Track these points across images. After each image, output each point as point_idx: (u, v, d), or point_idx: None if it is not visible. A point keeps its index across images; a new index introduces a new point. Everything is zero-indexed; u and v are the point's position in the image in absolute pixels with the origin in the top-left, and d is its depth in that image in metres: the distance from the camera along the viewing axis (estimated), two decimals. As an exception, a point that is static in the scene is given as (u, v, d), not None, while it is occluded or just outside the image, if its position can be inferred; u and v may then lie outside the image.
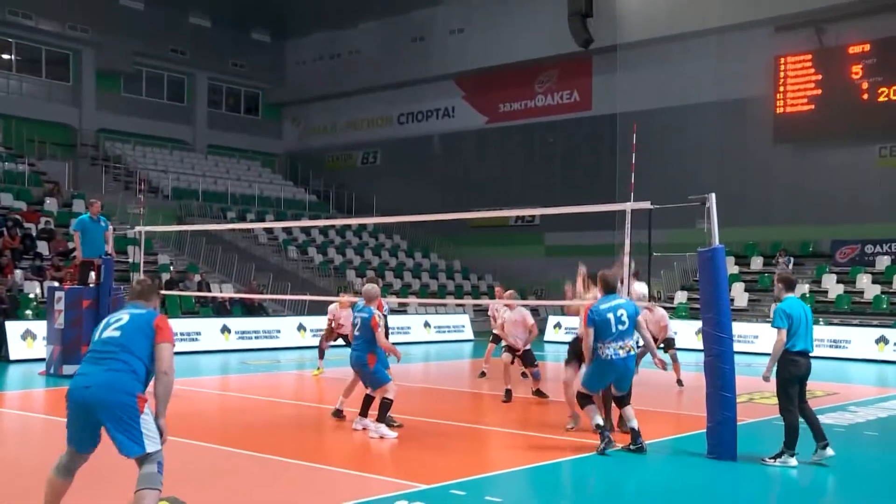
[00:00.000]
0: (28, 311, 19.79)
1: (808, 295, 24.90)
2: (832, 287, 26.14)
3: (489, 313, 17.08)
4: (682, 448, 9.49)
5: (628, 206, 9.65)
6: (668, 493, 7.77)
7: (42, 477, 5.72)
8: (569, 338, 21.73)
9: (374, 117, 41.15)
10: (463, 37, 36.96)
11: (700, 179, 25.55)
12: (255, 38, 42.61)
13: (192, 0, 38.99)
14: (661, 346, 14.49)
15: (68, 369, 14.49)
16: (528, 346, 13.11)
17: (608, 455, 8.81)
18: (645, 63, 31.79)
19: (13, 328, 17.93)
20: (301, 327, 22.90)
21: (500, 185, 35.86)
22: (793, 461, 8.53)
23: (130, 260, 23.14)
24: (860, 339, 21.81)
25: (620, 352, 8.93)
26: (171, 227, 27.97)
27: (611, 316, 8.91)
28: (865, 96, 27.90)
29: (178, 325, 15.72)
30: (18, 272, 21.59)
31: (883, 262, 26.57)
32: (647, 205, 9.45)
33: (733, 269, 27.80)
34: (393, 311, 27.18)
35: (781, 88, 29.46)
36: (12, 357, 17.52)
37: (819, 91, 28.79)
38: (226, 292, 25.39)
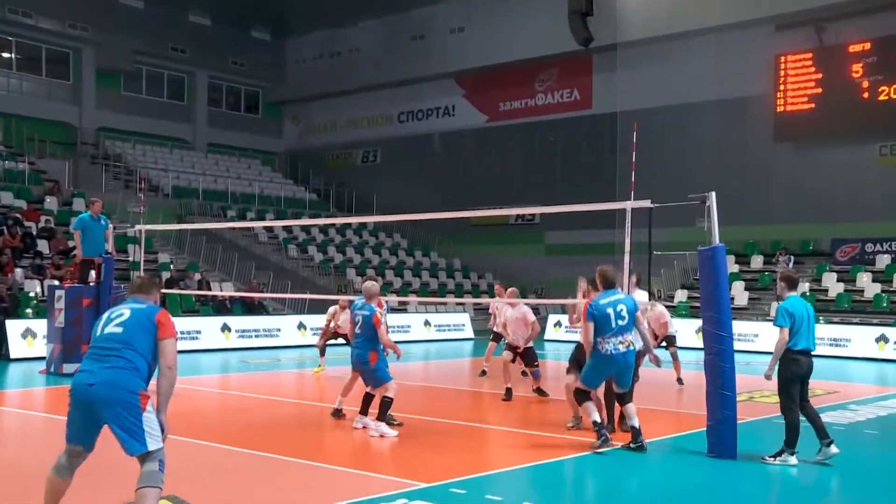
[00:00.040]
0: (28, 310, 19.79)
1: (808, 293, 24.90)
2: (832, 286, 26.15)
3: (490, 311, 17.08)
4: (683, 446, 9.49)
5: (628, 205, 9.65)
6: (669, 491, 7.78)
7: (42, 476, 5.72)
8: (569, 336, 21.75)
9: (374, 116, 41.15)
10: (463, 35, 36.95)
11: (700, 178, 25.59)
12: (255, 36, 42.60)
13: (192, -2, 39.05)
14: (663, 343, 14.48)
15: (68, 368, 14.48)
16: (529, 345, 13.06)
17: (605, 454, 8.81)
18: (645, 62, 31.78)
19: (13, 327, 17.94)
20: (301, 326, 22.90)
21: (500, 184, 35.88)
22: (793, 460, 8.53)
23: (131, 258, 23.15)
24: (860, 338, 21.81)
25: (620, 346, 8.93)
26: (172, 226, 27.98)
27: (610, 311, 8.92)
28: (866, 95, 27.90)
29: (178, 323, 15.55)
30: (19, 271, 21.60)
31: (883, 261, 26.57)
32: (647, 203, 9.45)
33: (733, 267, 27.81)
34: (393, 310, 27.22)
35: (782, 87, 29.46)
36: (13, 355, 17.52)
37: (819, 90, 28.79)
38: (226, 291, 25.39)
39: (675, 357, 14.90)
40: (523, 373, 14.47)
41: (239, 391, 14.69)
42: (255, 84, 42.99)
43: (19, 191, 26.94)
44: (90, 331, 5.77)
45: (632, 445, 8.99)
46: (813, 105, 28.93)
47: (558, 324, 26.47)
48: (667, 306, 18.29)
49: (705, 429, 9.03)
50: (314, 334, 21.54)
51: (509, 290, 13.96)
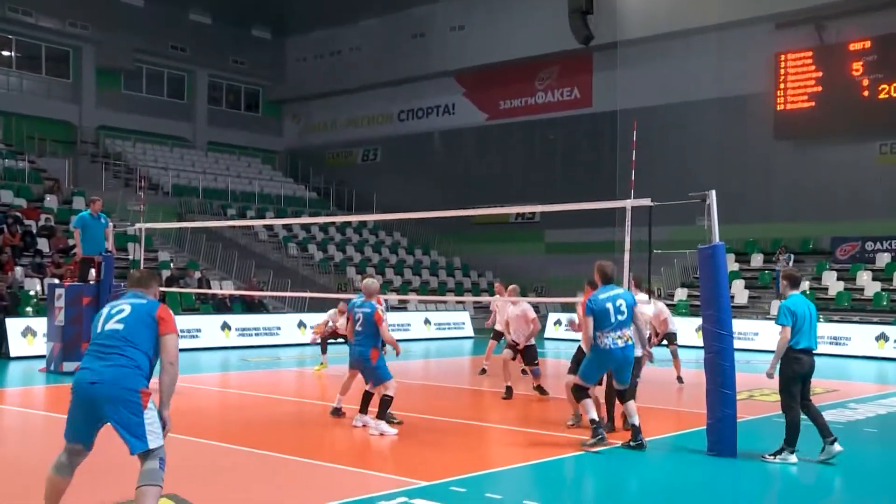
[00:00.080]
0: (28, 308, 19.79)
1: (808, 292, 24.89)
2: (832, 284, 26.15)
3: (490, 309, 17.06)
4: (683, 445, 9.49)
5: (629, 203, 9.65)
6: (669, 489, 7.78)
7: (42, 474, 5.72)
8: (569, 335, 21.74)
9: (374, 114, 41.14)
10: (463, 33, 36.95)
11: (700, 176, 25.61)
12: (256, 34, 42.58)
13: (193, -3, 39.04)
14: (664, 341, 14.46)
15: (68, 366, 14.49)
16: (530, 342, 13.01)
17: (602, 453, 8.80)
18: (645, 60, 31.78)
19: (13, 325, 17.94)
20: (301, 324, 22.89)
21: (500, 182, 35.88)
22: (793, 458, 8.54)
23: (131, 257, 23.18)
24: (860, 336, 21.82)
25: (619, 341, 8.94)
26: (172, 224, 27.97)
27: (609, 306, 8.93)
28: (866, 93, 27.89)
29: (178, 322, 15.64)
30: (19, 269, 21.60)
31: (883, 259, 26.57)
32: (647, 202, 9.45)
33: (733, 266, 27.82)
34: (393, 308, 27.23)
35: (782, 85, 29.46)
36: (13, 354, 17.52)
37: (819, 88, 28.79)
38: (226, 289, 25.38)
39: (675, 355, 14.90)
40: (523, 371, 14.46)
41: (239, 389, 14.69)
42: (255, 82, 42.98)
43: (19, 189, 26.93)
44: (90, 329, 5.75)
45: (631, 444, 8.99)
46: (813, 103, 28.92)
47: (558, 322, 26.47)
48: (667, 305, 18.27)
49: (705, 427, 9.03)
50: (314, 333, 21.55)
51: (510, 287, 13.92)
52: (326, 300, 22.05)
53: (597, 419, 9.04)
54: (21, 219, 24.12)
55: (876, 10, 27.65)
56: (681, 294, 27.65)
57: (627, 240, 9.74)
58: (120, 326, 5.54)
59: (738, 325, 19.50)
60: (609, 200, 11.43)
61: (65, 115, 35.69)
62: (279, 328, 22.69)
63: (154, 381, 5.60)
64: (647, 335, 10.47)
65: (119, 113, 36.95)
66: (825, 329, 21.67)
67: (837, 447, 8.48)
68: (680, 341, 15.49)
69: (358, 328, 9.93)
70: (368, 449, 9.22)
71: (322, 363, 16.18)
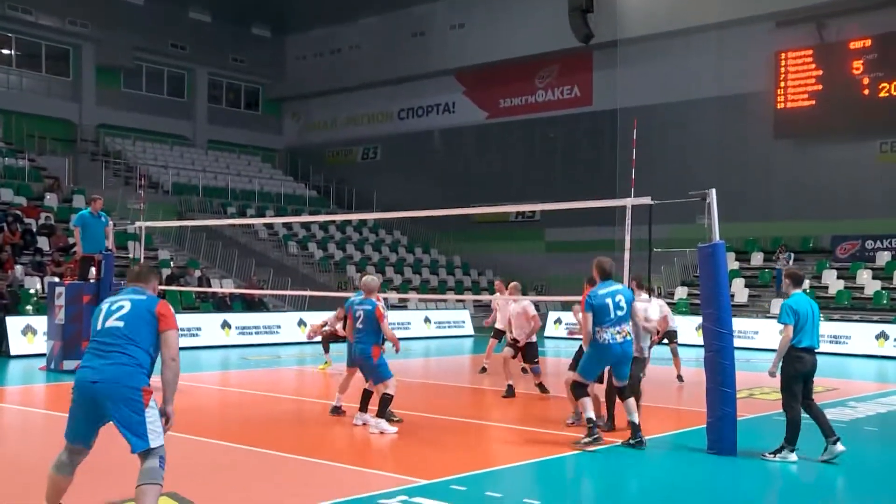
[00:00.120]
0: (28, 307, 19.79)
1: (808, 291, 24.90)
2: (832, 283, 26.15)
3: (492, 307, 17.04)
4: (683, 443, 9.49)
5: (629, 202, 9.64)
6: (669, 488, 7.78)
7: (43, 473, 5.72)
8: (568, 331, 21.73)
9: (374, 113, 41.13)
10: (463, 32, 36.93)
11: (700, 175, 25.62)
12: (256, 33, 42.58)
13: (192, -5, 39.03)
14: (664, 340, 14.44)
15: (69, 364, 14.49)
16: (531, 340, 12.96)
17: (598, 452, 8.79)
18: (645, 58, 31.77)
19: (14, 323, 17.94)
20: (301, 323, 22.88)
21: (500, 181, 35.88)
22: (793, 456, 8.54)
23: (131, 255, 23.20)
24: (860, 335, 21.83)
25: (617, 336, 8.95)
26: (172, 223, 27.98)
27: (609, 301, 8.93)
28: (866, 92, 27.88)
29: (178, 320, 15.66)
30: (19, 268, 21.60)
31: (883, 258, 26.58)
32: (647, 200, 9.44)
33: (734, 264, 27.83)
34: (393, 307, 27.23)
35: (782, 84, 29.45)
36: (13, 352, 17.52)
37: (820, 86, 28.78)
38: (226, 288, 25.38)
39: (675, 353, 14.90)
40: (523, 369, 14.45)
41: (239, 388, 14.69)
42: (255, 81, 42.98)
43: (19, 187, 26.93)
44: (90, 327, 5.75)
45: (631, 441, 8.99)
46: (813, 102, 28.92)
47: (558, 321, 26.47)
48: (667, 303, 18.27)
49: (705, 425, 9.03)
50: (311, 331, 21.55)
51: (511, 284, 13.89)
52: (326, 298, 22.07)
53: (594, 418, 9.04)
54: (21, 217, 24.12)
55: (876, 9, 27.64)
56: (681, 292, 27.65)
57: (627, 238, 9.74)
58: (120, 324, 5.53)
59: (738, 323, 19.52)
60: (609, 199, 11.43)
61: (65, 113, 35.69)
62: (279, 327, 22.70)
63: (156, 379, 5.61)
64: (649, 342, 10.40)
65: (119, 111, 36.95)
66: (825, 328, 21.62)
67: (840, 447, 8.46)
68: (680, 340, 15.50)
69: (359, 325, 9.90)
70: (368, 447, 9.22)
71: (326, 362, 16.17)
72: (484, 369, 16.11)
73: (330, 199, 40.13)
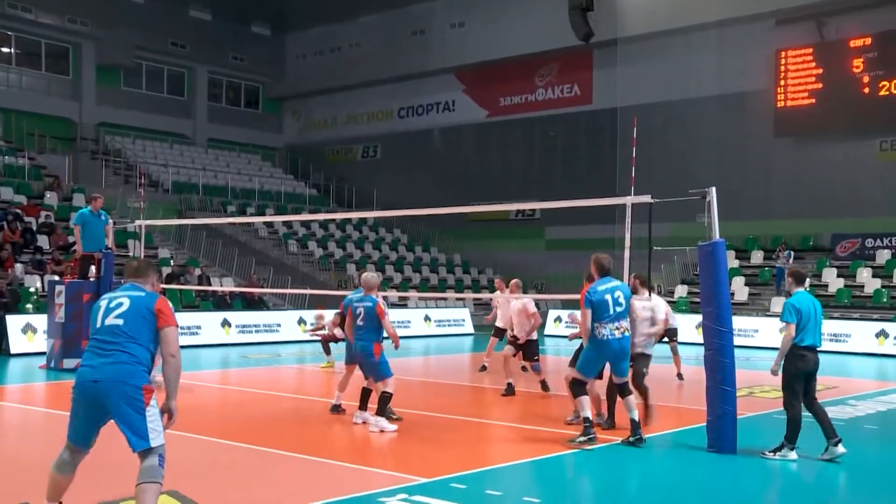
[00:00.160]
0: (28, 305, 19.80)
1: (808, 289, 24.89)
2: (832, 281, 26.15)
3: (493, 305, 17.03)
4: (683, 442, 9.49)
5: (629, 200, 9.64)
6: (669, 486, 7.78)
7: (43, 471, 5.73)
8: (569, 332, 21.74)
9: (374, 111, 41.13)
10: (463, 30, 36.92)
11: (700, 173, 25.65)
12: (256, 31, 42.57)
13: (192, -7, 39.03)
14: (664, 338, 14.43)
15: (69, 363, 14.50)
16: (531, 337, 12.91)
17: (594, 451, 8.79)
18: (645, 57, 31.76)
19: (14, 322, 17.94)
20: (301, 321, 22.88)
21: (500, 179, 35.87)
22: (792, 455, 8.54)
23: (131, 254, 23.18)
24: (860, 333, 21.84)
25: (616, 332, 8.95)
26: (172, 221, 27.99)
27: (608, 297, 8.93)
28: (866, 90, 27.87)
29: (178, 319, 15.68)
30: (19, 266, 21.60)
31: (883, 256, 26.58)
32: (647, 199, 9.44)
33: (733, 263, 27.84)
34: (393, 305, 27.23)
35: (782, 82, 29.44)
36: (13, 351, 17.54)
37: (820, 85, 28.77)
38: (226, 286, 25.39)
39: (675, 352, 14.90)
40: (523, 368, 14.46)
41: (239, 386, 14.69)
42: (255, 79, 42.97)
43: (19, 186, 26.92)
44: (90, 325, 5.74)
45: (630, 439, 8.99)
46: (813, 100, 28.91)
47: (558, 319, 26.48)
48: (667, 301, 18.27)
49: (705, 424, 9.04)
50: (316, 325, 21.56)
51: (512, 281, 13.84)
52: (326, 297, 22.06)
53: (590, 418, 9.02)
54: (21, 215, 24.12)
55: (876, 7, 27.64)
56: (681, 291, 27.65)
57: (627, 236, 9.74)
58: (120, 322, 5.52)
59: (738, 321, 19.58)
60: (609, 197, 11.44)
61: (65, 111, 35.68)
62: (279, 325, 22.70)
63: (159, 376, 5.61)
64: (653, 338, 10.32)
65: (119, 110, 36.95)
66: (825, 326, 21.53)
67: (841, 449, 8.44)
68: (680, 338, 15.50)
69: (359, 322, 9.86)
70: (368, 446, 9.22)
71: (329, 362, 16.16)
72: (484, 368, 16.11)
73: (330, 197, 40.13)
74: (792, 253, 26.71)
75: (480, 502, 6.84)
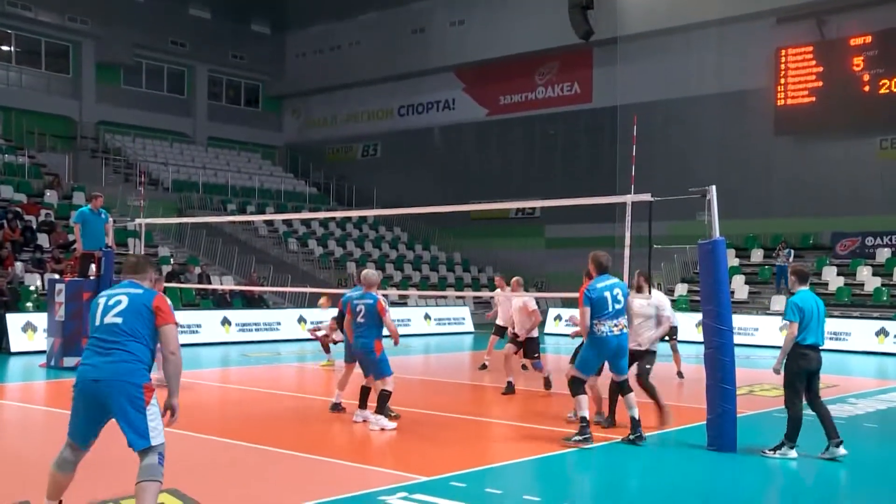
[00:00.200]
0: (29, 304, 19.80)
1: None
2: (832, 279, 26.15)
3: (494, 302, 17.00)
4: (683, 440, 9.49)
5: (629, 199, 9.63)
6: (669, 485, 7.78)
7: (43, 469, 5.73)
8: (569, 330, 21.74)
9: (374, 109, 41.11)
10: (463, 28, 36.91)
11: (700, 171, 25.64)
12: (255, 29, 42.55)
13: (192, -8, 39.01)
14: (664, 336, 14.41)
15: (69, 361, 14.51)
16: (532, 335, 12.88)
17: (592, 450, 8.80)
18: (646, 55, 31.75)
19: (14, 320, 17.94)
20: (301, 319, 22.89)
21: (500, 178, 35.87)
22: (792, 453, 8.54)
23: (131, 252, 23.17)
24: (860, 332, 21.83)
25: (615, 329, 8.95)
26: (172, 220, 27.96)
27: (607, 294, 8.93)
28: (867, 88, 27.87)
29: (178, 317, 15.69)
30: (19, 264, 21.60)
31: (883, 255, 26.58)
32: (647, 197, 9.43)
33: (734, 261, 27.84)
34: (393, 304, 27.23)
35: (782, 80, 29.43)
36: (13, 349, 17.54)
37: (820, 83, 28.76)
38: (226, 284, 25.40)
39: (675, 350, 14.90)
40: (523, 366, 14.45)
41: (239, 385, 14.70)
42: (255, 78, 42.95)
43: (19, 184, 26.93)
44: (89, 324, 5.74)
45: (630, 437, 8.99)
46: (814, 98, 28.90)
47: (558, 317, 26.48)
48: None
49: (705, 422, 9.04)
50: (316, 325, 21.53)
51: (513, 279, 13.81)
52: (326, 295, 22.02)
53: (587, 417, 9.01)
54: (21, 214, 24.12)
55: (877, 5, 27.63)
56: (681, 289, 27.64)
57: (627, 235, 9.73)
58: (119, 320, 5.51)
59: (738, 320, 19.55)
60: (609, 196, 11.42)
61: (64, 110, 35.67)
62: (279, 323, 22.71)
63: (159, 374, 5.61)
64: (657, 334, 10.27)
65: (119, 108, 36.94)
66: (825, 324, 21.68)
67: (842, 450, 8.42)
68: (680, 336, 15.50)
69: (360, 320, 9.83)
70: (368, 444, 9.22)
71: (329, 360, 16.16)
72: (484, 366, 16.11)
73: (330, 195, 40.13)
74: (792, 251, 26.71)
75: (480, 501, 6.84)
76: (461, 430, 10.12)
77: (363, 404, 10.11)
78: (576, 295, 9.14)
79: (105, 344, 5.48)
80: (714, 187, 9.18)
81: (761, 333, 22.62)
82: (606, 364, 9.36)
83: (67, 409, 5.60)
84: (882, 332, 21.46)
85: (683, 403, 12.74)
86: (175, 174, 34.92)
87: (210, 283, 24.90)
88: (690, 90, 30.93)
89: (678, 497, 7.36)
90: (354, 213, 33.87)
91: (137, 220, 16.70)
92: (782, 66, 29.45)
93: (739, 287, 26.83)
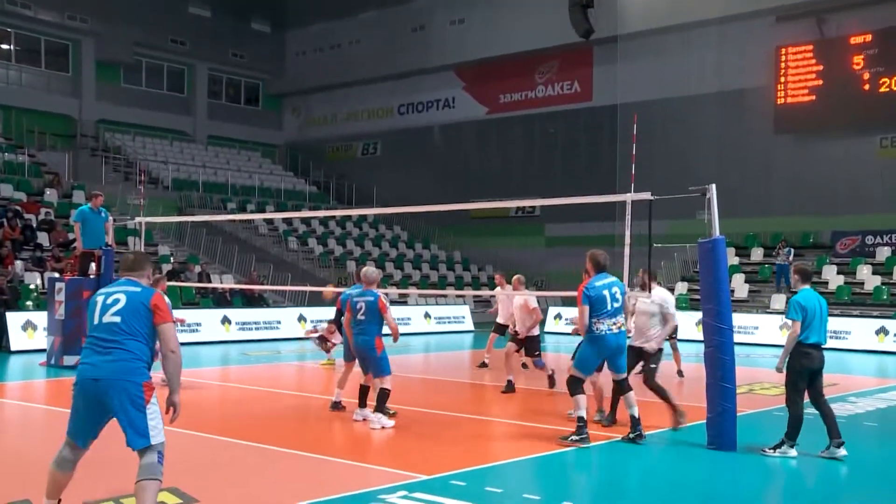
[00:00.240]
0: (29, 302, 19.80)
1: (809, 286, 24.87)
2: (832, 278, 26.14)
3: (496, 300, 16.99)
4: (682, 439, 9.49)
5: (629, 197, 9.63)
6: (669, 483, 7.78)
7: (43, 467, 5.73)
8: (569, 328, 21.74)
9: (374, 108, 41.10)
10: (463, 27, 36.90)
11: (700, 170, 25.62)
12: (256, 28, 42.52)
13: (192, -10, 39.00)
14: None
15: (69, 360, 14.51)
16: (532, 333, 12.84)
17: (597, 447, 8.79)
18: (646, 54, 31.74)
19: (14, 319, 17.95)
20: (301, 318, 22.89)
21: (500, 176, 35.86)
22: (792, 452, 8.54)
23: (131, 251, 23.17)
24: (860, 330, 21.82)
25: (613, 328, 8.96)
26: (172, 218, 27.96)
27: (606, 293, 8.94)
28: (867, 87, 27.85)
29: (178, 315, 15.74)
30: (19, 263, 21.60)
31: (883, 253, 26.57)
32: (647, 195, 9.42)
33: (733, 260, 27.83)
34: (393, 302, 27.21)
35: (782, 79, 29.42)
36: (13, 348, 17.54)
37: (820, 82, 28.75)
38: (226, 283, 25.40)
39: (675, 348, 14.89)
40: (523, 365, 14.45)
41: (239, 383, 14.70)
42: (255, 76, 42.93)
43: (19, 183, 26.92)
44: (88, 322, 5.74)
45: (630, 435, 9.00)
46: (814, 97, 28.89)
47: (558, 316, 26.48)
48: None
49: (705, 421, 9.04)
50: (314, 326, 21.55)
51: (514, 277, 13.78)
52: (333, 284, 22.03)
53: (585, 417, 8.99)
54: (21, 213, 24.12)
55: (876, 4, 27.61)
56: (681, 288, 27.63)
57: (627, 234, 9.73)
58: (117, 319, 5.51)
59: (738, 319, 19.54)
60: (609, 194, 11.43)
61: (64, 108, 35.65)
62: (279, 322, 22.70)
63: (159, 373, 5.61)
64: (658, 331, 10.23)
65: (119, 106, 36.92)
66: (825, 323, 21.66)
67: (842, 451, 8.42)
68: (680, 335, 15.48)
69: (360, 317, 9.81)
70: (368, 443, 9.22)
71: (329, 359, 16.16)
72: (484, 364, 16.11)
73: (330, 194, 40.12)
74: (792, 250, 26.69)
75: (480, 499, 6.83)
76: (461, 428, 10.12)
77: (363, 403, 10.11)
78: (576, 294, 9.13)
79: (104, 343, 5.48)
80: (714, 186, 9.17)
81: (761, 332, 22.63)
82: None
83: (68, 408, 5.60)
84: (882, 331, 21.46)
85: (683, 402, 12.69)
86: (175, 173, 34.92)
87: (210, 281, 24.90)
88: (690, 89, 30.92)
89: (678, 496, 7.36)
90: (354, 212, 33.81)
91: (137, 219, 16.70)
92: (782, 65, 29.44)
93: (739, 286, 26.83)
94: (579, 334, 9.29)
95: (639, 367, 9.90)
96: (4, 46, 34.63)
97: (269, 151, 42.73)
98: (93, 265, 15.67)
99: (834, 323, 22.03)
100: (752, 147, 29.99)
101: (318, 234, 33.93)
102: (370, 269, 10.23)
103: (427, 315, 26.76)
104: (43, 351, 16.24)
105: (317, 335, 16.29)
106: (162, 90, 39.49)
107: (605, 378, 9.84)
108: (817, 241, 28.73)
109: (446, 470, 7.66)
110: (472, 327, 27.32)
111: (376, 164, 40.59)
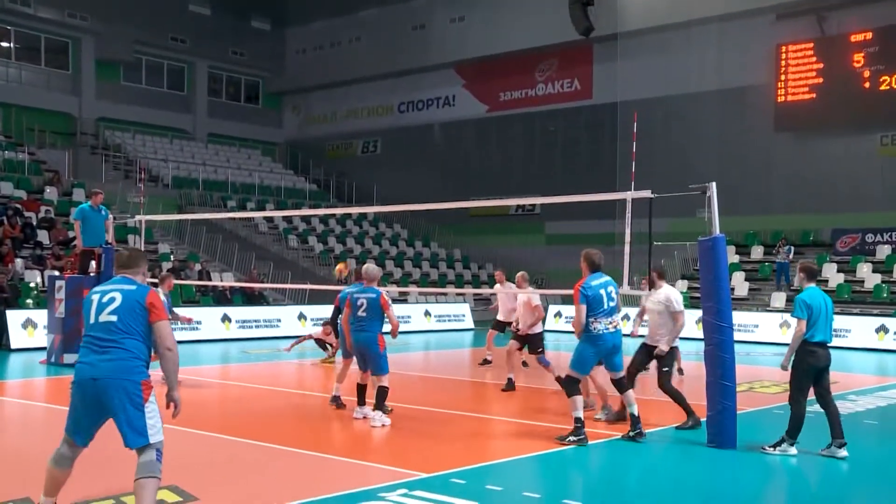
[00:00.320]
0: (29, 300, 19.80)
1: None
2: (832, 276, 26.13)
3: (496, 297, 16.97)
4: (683, 437, 9.48)
5: (629, 195, 9.63)
6: (669, 481, 7.79)
7: (43, 465, 5.72)
8: (569, 327, 21.72)
9: (374, 106, 41.09)
10: (463, 25, 36.88)
11: (701, 168, 25.55)
12: (256, 26, 42.49)
13: (192, -12, 38.97)
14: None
15: (69, 358, 14.50)
16: (534, 330, 12.76)
17: (598, 445, 8.79)
18: (646, 51, 31.72)
19: (14, 317, 17.95)
20: (301, 316, 22.90)
21: (500, 174, 35.85)
22: (792, 450, 8.53)
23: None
24: (860, 329, 21.81)
25: (609, 327, 8.95)
26: (172, 216, 27.98)
27: (603, 292, 8.93)
28: (867, 85, 27.84)
29: (187, 315, 15.77)
30: (19, 261, 21.60)
31: (883, 251, 26.55)
32: (647, 194, 9.42)
33: (734, 258, 27.81)
34: (394, 300, 27.15)
35: (782, 77, 29.40)
36: (13, 346, 17.54)
37: (820, 79, 28.73)
38: (226, 281, 25.39)
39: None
40: (524, 363, 14.44)
41: (239, 381, 14.70)
42: (255, 74, 42.91)
43: (19, 181, 26.91)
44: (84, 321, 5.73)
45: (630, 434, 8.99)
46: (814, 95, 28.87)
47: (558, 314, 26.48)
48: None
49: (705, 419, 9.04)
50: (314, 324, 21.57)
51: (518, 274, 13.73)
52: (327, 292, 22.04)
53: (582, 418, 8.97)
54: (21, 210, 24.12)
55: (877, 2, 27.59)
56: (681, 286, 27.58)
57: (628, 232, 9.73)
58: (114, 318, 5.50)
59: (738, 317, 19.56)
60: (609, 192, 11.43)
61: (64, 106, 35.65)
62: (279, 320, 22.70)
63: (159, 371, 5.61)
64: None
65: (119, 104, 36.91)
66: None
67: (843, 452, 8.40)
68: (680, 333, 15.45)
69: (361, 314, 9.78)
70: (368, 441, 9.22)
71: (329, 357, 16.16)
72: (486, 361, 16.07)
73: (330, 192, 40.11)
74: (792, 248, 26.69)
75: (480, 497, 6.83)
76: (461, 426, 10.12)
77: (361, 401, 10.09)
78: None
79: (102, 342, 5.48)
80: (714, 184, 9.17)
81: (761, 330, 22.62)
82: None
83: (67, 406, 5.60)
84: (882, 329, 21.45)
85: (683, 400, 12.75)
86: (175, 171, 34.91)
87: (210, 279, 24.89)
88: (691, 86, 30.90)
89: (678, 494, 7.36)
90: (354, 210, 33.86)
91: (137, 217, 16.71)
92: (782, 63, 29.42)
93: (739, 284, 26.82)
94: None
95: (652, 367, 9.88)
96: (4, 44, 34.61)
97: (270, 149, 42.73)
98: (93, 263, 15.66)
99: (834, 321, 22.10)
100: (752, 145, 29.97)
101: (318, 232, 33.93)
102: (371, 267, 10.22)
103: (427, 313, 26.76)
104: (43, 349, 16.24)
105: (312, 339, 16.31)
106: (162, 88, 39.47)
107: (605, 378, 9.84)
108: (817, 239, 28.72)
109: (446, 468, 7.65)
110: (472, 325, 27.33)
111: (376, 162, 40.58)
